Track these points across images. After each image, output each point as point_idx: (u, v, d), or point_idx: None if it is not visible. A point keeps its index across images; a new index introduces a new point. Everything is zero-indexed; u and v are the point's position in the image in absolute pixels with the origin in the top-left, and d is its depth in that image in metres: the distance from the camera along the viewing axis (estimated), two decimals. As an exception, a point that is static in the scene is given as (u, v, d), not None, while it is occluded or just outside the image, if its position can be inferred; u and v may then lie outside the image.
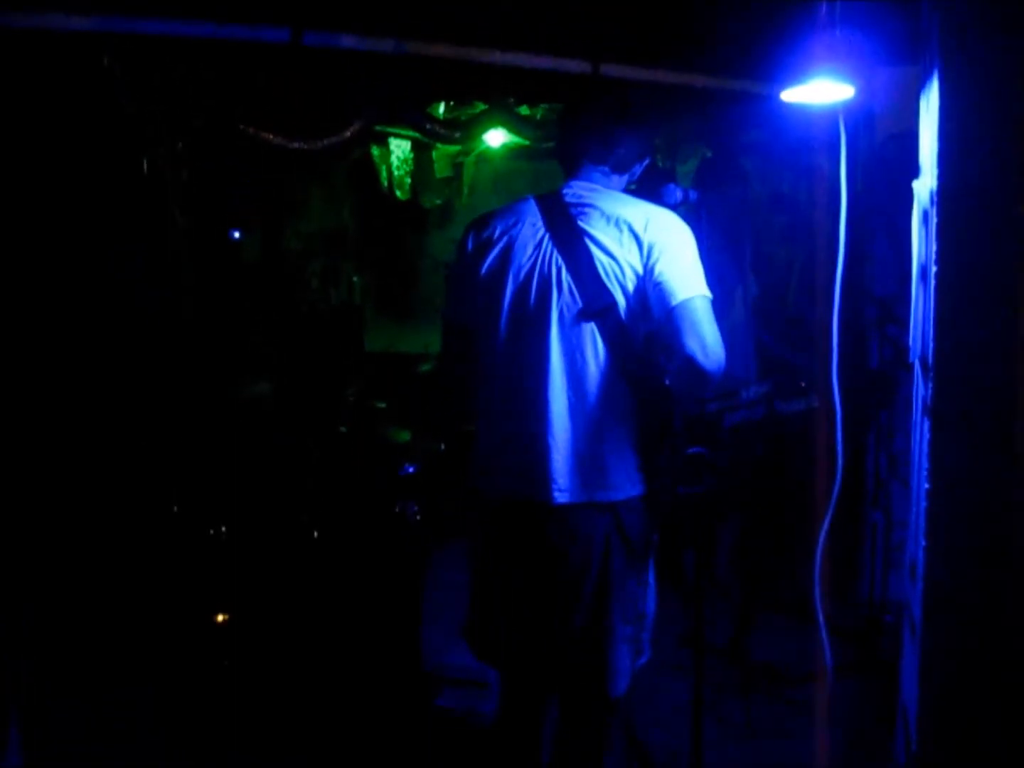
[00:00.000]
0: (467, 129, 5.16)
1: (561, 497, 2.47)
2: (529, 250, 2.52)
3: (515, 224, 2.57)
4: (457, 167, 6.48)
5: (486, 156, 6.49)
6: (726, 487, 4.07)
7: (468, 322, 2.67)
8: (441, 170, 6.30)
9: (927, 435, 2.13)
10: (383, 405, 4.81)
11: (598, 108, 2.67)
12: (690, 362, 2.32)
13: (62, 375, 4.15)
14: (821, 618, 2.69)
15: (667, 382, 2.50)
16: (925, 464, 2.14)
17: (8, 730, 2.86)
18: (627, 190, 2.68)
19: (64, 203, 4.13)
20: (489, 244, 2.59)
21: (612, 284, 2.43)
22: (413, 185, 6.22)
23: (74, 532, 3.96)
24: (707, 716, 3.68)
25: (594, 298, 2.43)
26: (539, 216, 2.55)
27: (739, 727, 3.73)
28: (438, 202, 6.61)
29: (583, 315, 2.44)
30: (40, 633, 3.66)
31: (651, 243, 2.41)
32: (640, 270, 2.41)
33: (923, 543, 2.15)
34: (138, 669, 3.78)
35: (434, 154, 6.17)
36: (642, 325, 2.47)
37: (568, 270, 2.45)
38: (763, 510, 4.41)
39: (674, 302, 2.35)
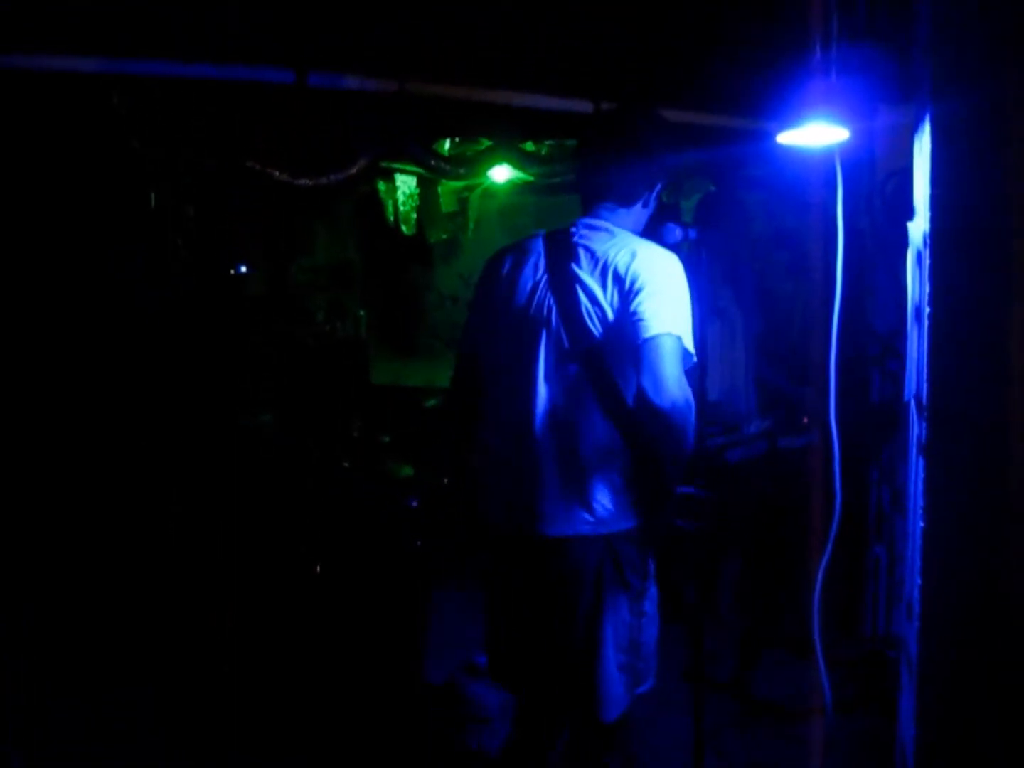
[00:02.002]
0: (472, 165, 5.22)
1: (550, 530, 2.52)
2: (528, 289, 2.59)
3: (522, 262, 2.64)
4: (463, 202, 6.54)
5: (492, 191, 6.55)
6: (729, 522, 4.08)
7: (475, 353, 2.73)
8: (447, 205, 6.37)
9: (922, 474, 2.15)
10: (387, 439, 4.84)
11: (592, 146, 2.72)
12: (642, 396, 2.37)
13: (71, 390, 4.21)
14: (820, 654, 2.70)
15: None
16: (920, 502, 2.15)
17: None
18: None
19: (70, 238, 4.19)
20: (499, 280, 2.68)
21: (596, 327, 2.47)
22: (419, 220, 6.28)
23: (75, 534, 3.98)
24: (707, 750, 3.69)
25: (579, 341, 2.49)
26: (543, 256, 2.61)
27: (739, 761, 3.72)
28: (444, 237, 6.67)
29: (568, 356, 2.50)
30: (41, 634, 3.67)
31: (632, 280, 2.44)
32: (623, 310, 2.44)
33: (918, 581, 2.16)
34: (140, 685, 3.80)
35: (440, 189, 6.24)
36: (629, 368, 2.50)
37: (558, 312, 2.51)
38: (766, 545, 4.42)
39: (642, 338, 2.38)
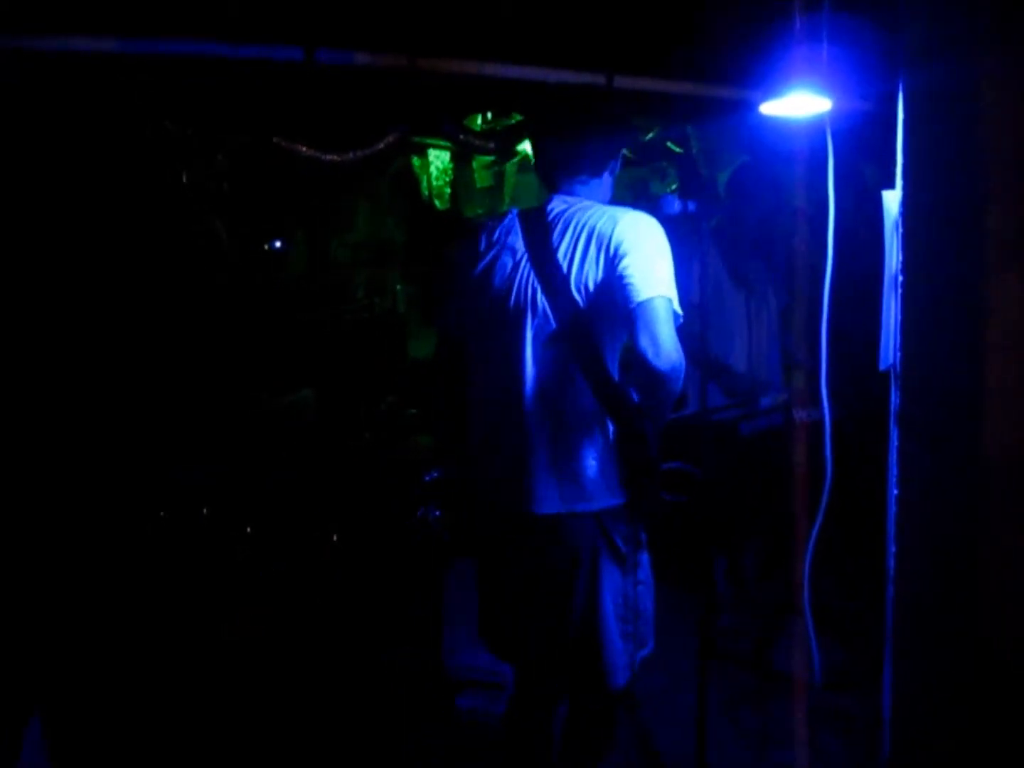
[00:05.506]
0: (502, 140, 5.23)
1: (542, 508, 2.56)
2: (508, 270, 2.61)
3: (498, 241, 2.66)
4: (498, 176, 6.51)
5: (527, 166, 6.52)
6: (742, 494, 4.08)
7: (457, 334, 2.76)
8: (482, 180, 6.34)
9: (896, 442, 2.16)
10: (414, 412, 4.90)
11: (552, 124, 2.74)
12: (642, 360, 2.40)
13: (97, 375, 4.30)
14: (811, 627, 2.71)
15: (635, 397, 2.56)
16: (894, 471, 2.16)
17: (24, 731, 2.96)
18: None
19: (103, 221, 4.28)
20: (475, 261, 2.69)
21: (581, 297, 2.49)
22: (454, 195, 6.29)
23: (94, 531, 4.07)
24: (724, 721, 3.75)
25: (566, 319, 2.51)
26: (519, 234, 2.62)
27: (754, 733, 3.75)
28: (480, 211, 6.64)
29: (556, 335, 2.52)
30: (61, 634, 3.76)
31: (617, 245, 2.47)
32: (609, 276, 2.47)
33: (893, 549, 2.18)
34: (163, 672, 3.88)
35: (475, 164, 6.23)
36: (618, 335, 2.54)
37: (543, 291, 2.53)
38: (781, 518, 4.41)
39: (634, 302, 2.42)
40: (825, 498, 2.64)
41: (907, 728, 2.21)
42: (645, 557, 2.70)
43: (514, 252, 2.62)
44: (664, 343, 2.39)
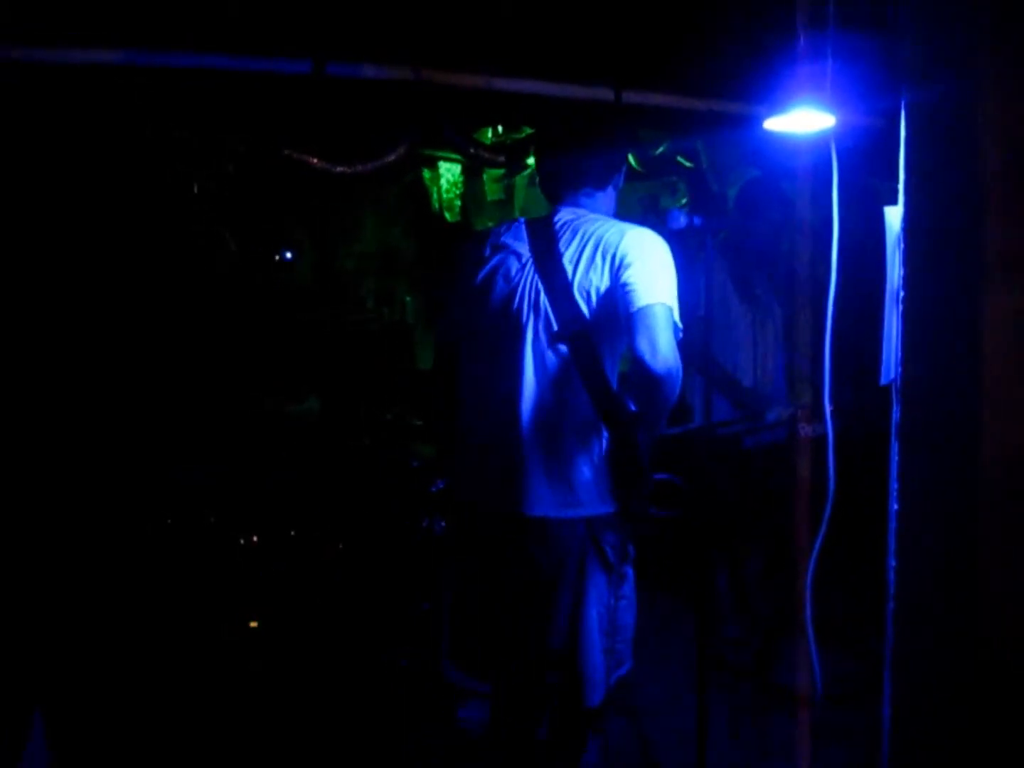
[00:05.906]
0: (513, 153, 5.26)
1: (532, 510, 2.56)
2: (513, 273, 2.64)
3: (505, 247, 2.69)
4: (508, 189, 6.54)
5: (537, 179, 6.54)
6: (746, 509, 4.09)
7: (459, 334, 2.78)
8: (492, 193, 6.38)
9: (896, 456, 2.16)
10: (419, 422, 4.92)
11: (558, 137, 2.77)
12: (639, 362, 2.42)
13: (107, 380, 4.33)
14: (812, 641, 2.71)
15: (632, 407, 2.57)
16: (895, 485, 2.17)
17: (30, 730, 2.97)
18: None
19: (114, 230, 4.32)
20: (480, 264, 2.72)
21: (586, 306, 2.51)
22: (464, 208, 6.32)
23: (95, 531, 4.09)
24: (725, 735, 3.73)
25: (568, 321, 2.53)
26: (526, 240, 2.65)
27: (755, 746, 3.75)
28: (491, 225, 6.67)
29: (557, 337, 2.54)
30: (62, 633, 3.77)
31: (623, 256, 2.51)
32: (612, 285, 2.50)
33: (892, 563, 2.18)
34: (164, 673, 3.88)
35: (485, 177, 6.26)
36: (618, 344, 2.55)
37: (546, 293, 2.56)
38: (785, 532, 4.41)
39: (634, 307, 2.44)
40: (827, 512, 2.65)
41: (907, 729, 2.21)
42: (630, 572, 2.71)
43: (520, 256, 2.66)
44: (662, 347, 2.41)
